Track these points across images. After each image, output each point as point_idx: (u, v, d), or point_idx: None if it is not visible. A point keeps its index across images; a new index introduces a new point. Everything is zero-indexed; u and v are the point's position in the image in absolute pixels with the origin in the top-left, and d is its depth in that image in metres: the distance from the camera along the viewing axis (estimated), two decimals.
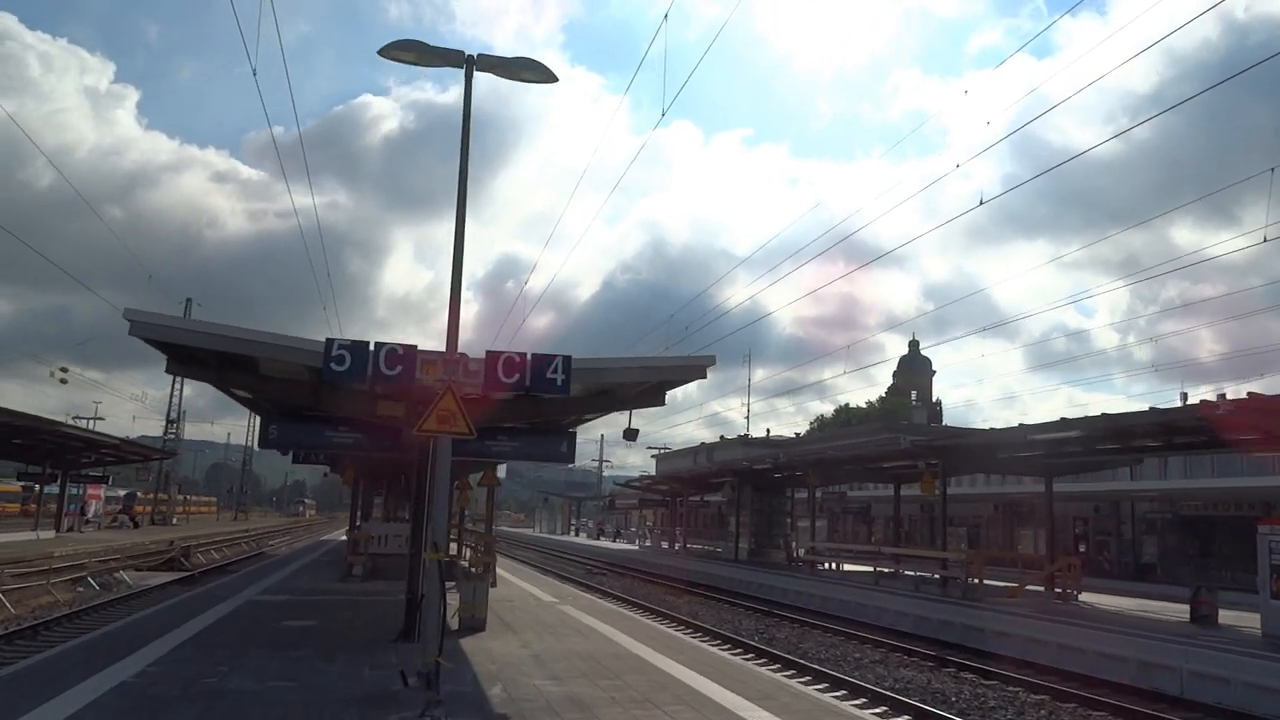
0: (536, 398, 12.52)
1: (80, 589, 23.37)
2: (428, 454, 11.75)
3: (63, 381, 46.20)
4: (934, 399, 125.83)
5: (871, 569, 29.09)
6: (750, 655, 15.62)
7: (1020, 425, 20.98)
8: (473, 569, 20.44)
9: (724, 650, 14.18)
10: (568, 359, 9.33)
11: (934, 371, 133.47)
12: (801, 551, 35.08)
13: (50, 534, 41.50)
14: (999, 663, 16.24)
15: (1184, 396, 62.83)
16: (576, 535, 76.31)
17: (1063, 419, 19.71)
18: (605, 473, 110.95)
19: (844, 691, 12.65)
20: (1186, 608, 18.86)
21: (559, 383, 9.24)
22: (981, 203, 15.59)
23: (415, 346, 9.01)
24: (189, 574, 29.69)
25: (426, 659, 8.53)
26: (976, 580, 22.36)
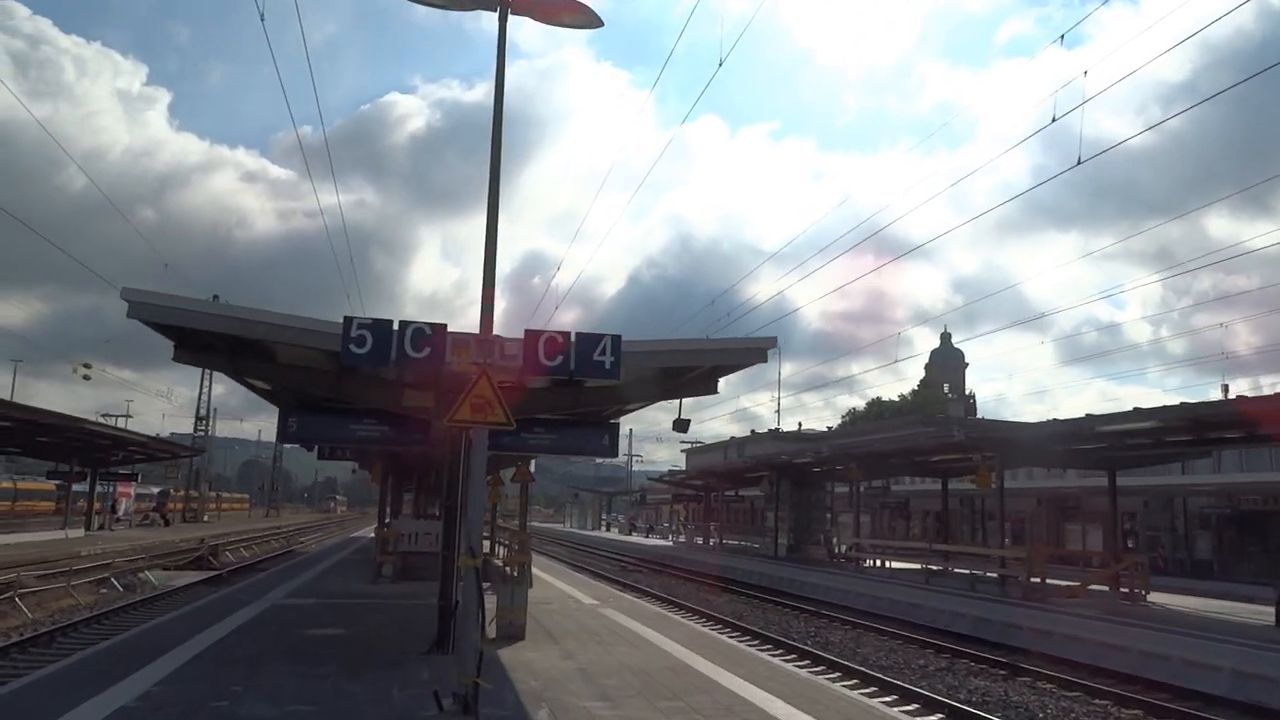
0: (577, 385, 11.47)
1: (104, 591, 22.69)
2: (460, 448, 10.74)
3: (86, 378, 45.92)
4: (967, 392, 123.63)
5: (920, 566, 27.86)
6: (805, 662, 14.51)
7: (1087, 415, 19.64)
8: (508, 570, 19.47)
9: (784, 660, 13.01)
10: (617, 339, 8.25)
11: (967, 364, 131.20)
12: (844, 548, 33.87)
13: (80, 533, 41.20)
14: (1076, 670, 14.99)
15: (1225, 389, 60.80)
16: (607, 531, 75.41)
17: (1136, 409, 18.40)
18: (634, 468, 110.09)
19: (916, 705, 11.54)
20: (1262, 609, 17.59)
21: (607, 365, 8.17)
22: (1080, 160, 14.22)
23: (444, 326, 7.97)
24: (217, 573, 29.03)
25: (463, 679, 7.52)
26: (1038, 579, 21.09)
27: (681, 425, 11.59)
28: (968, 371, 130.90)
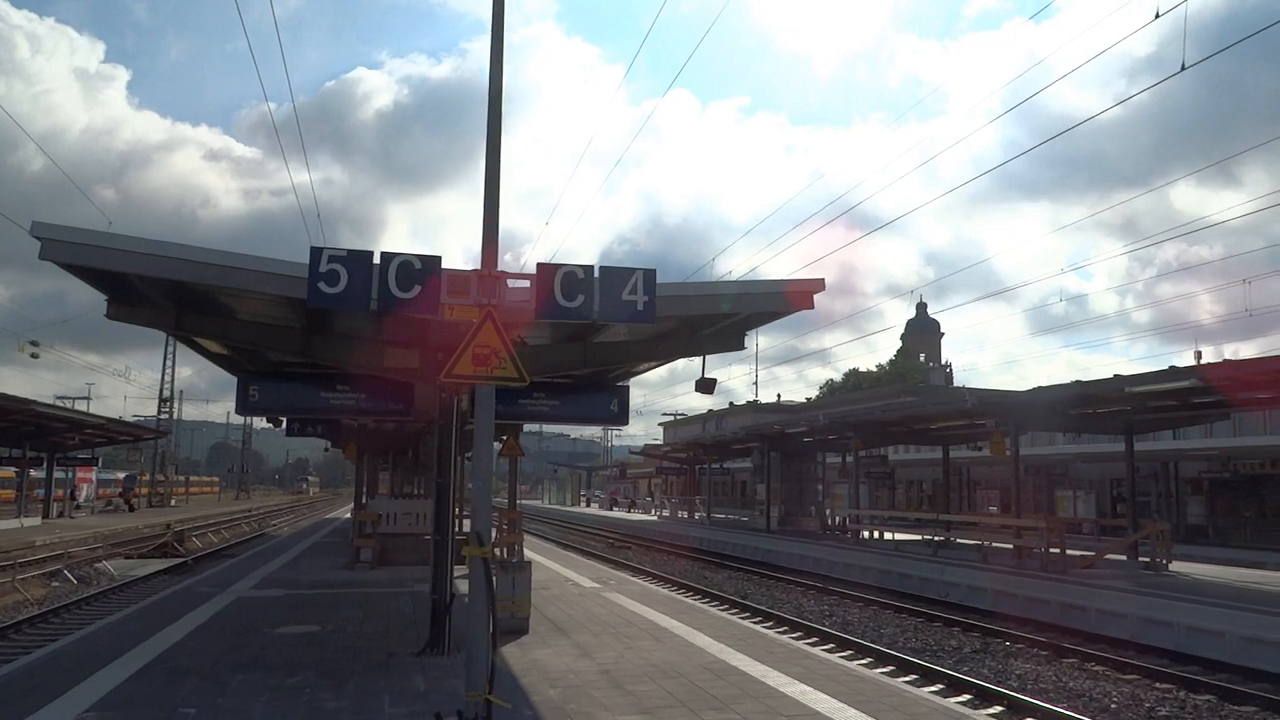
0: (584, 341, 9.94)
1: (55, 584, 20.90)
2: (451, 416, 9.20)
3: (34, 356, 43.47)
4: (944, 362, 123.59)
5: (920, 538, 26.73)
6: (831, 646, 13.19)
7: (1115, 376, 18.41)
8: (499, 551, 17.98)
9: (818, 648, 11.64)
10: (650, 274, 6.71)
11: (942, 334, 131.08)
12: (839, 519, 32.71)
13: (36, 520, 39.11)
14: (1121, 649, 13.84)
15: (1198, 355, 60.57)
16: (587, 506, 74.07)
17: (1172, 367, 17.16)
18: (606, 444, 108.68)
19: (968, 695, 10.23)
20: None
21: (639, 307, 6.64)
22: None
23: (439, 259, 6.40)
24: (182, 560, 27.27)
25: (471, 696, 6.03)
26: (1057, 550, 19.96)
27: (706, 385, 10.04)
28: (942, 342, 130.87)
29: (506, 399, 10.47)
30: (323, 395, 10.72)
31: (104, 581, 21.82)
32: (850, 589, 20.91)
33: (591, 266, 6.62)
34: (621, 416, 11.41)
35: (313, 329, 9.02)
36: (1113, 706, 10.20)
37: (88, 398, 61.64)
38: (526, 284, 6.77)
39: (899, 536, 27.77)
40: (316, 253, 6.20)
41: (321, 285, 6.17)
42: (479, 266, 6.51)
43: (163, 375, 66.16)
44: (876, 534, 29.40)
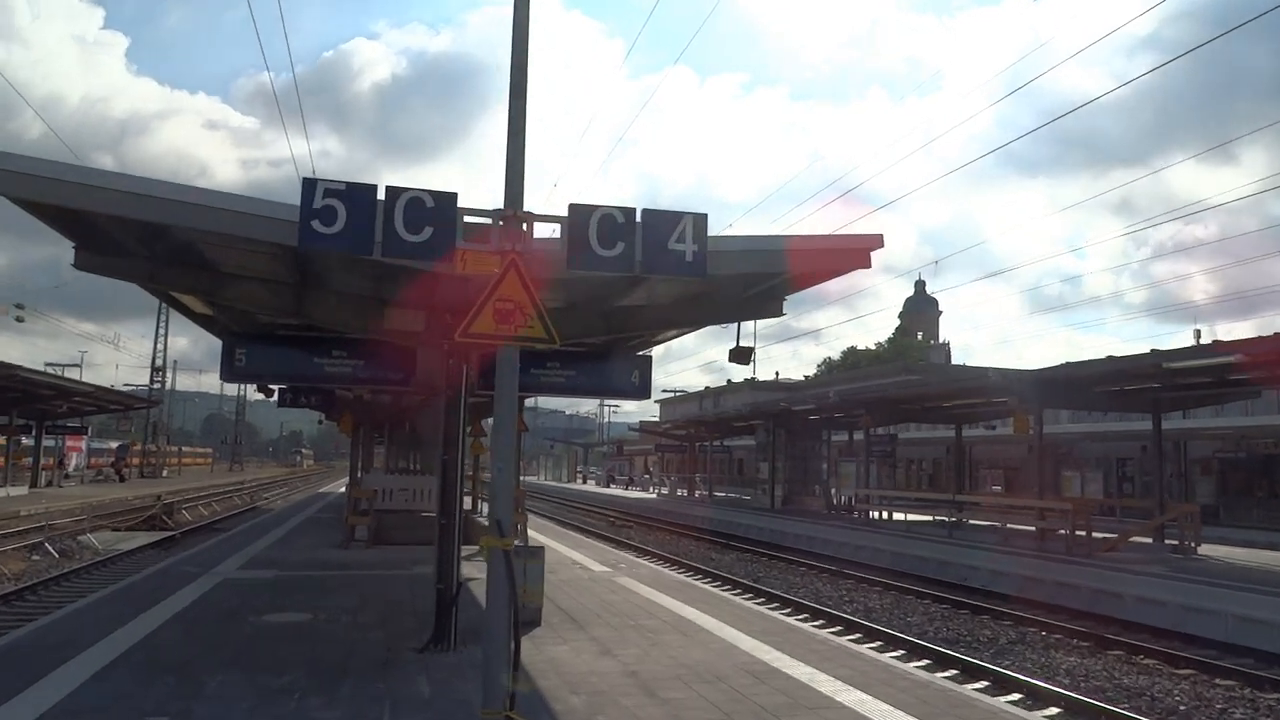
0: (605, 303, 8.94)
1: (36, 557, 19.98)
2: (459, 386, 8.22)
3: (19, 320, 42.30)
4: (942, 340, 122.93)
5: (931, 519, 25.93)
6: (857, 636, 12.33)
7: (1152, 351, 17.50)
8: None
9: (876, 650, 10.69)
10: (701, 219, 5.69)
11: (940, 312, 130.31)
12: (846, 498, 31.90)
13: (23, 489, 38.15)
14: (1165, 640, 13.01)
15: (1197, 334, 59.93)
16: (584, 483, 73.32)
17: (1216, 341, 16.29)
18: (601, 420, 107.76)
19: (1018, 695, 9.35)
20: None
21: (689, 257, 5.63)
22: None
23: (455, 195, 5.38)
24: (170, 534, 26.39)
25: (489, 713, 5.11)
26: (1083, 533, 19.15)
27: (742, 355, 9.04)
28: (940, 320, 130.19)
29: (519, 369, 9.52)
30: (316, 361, 9.71)
31: (87, 556, 20.90)
32: (866, 572, 20.08)
33: (632, 209, 5.61)
34: (643, 389, 10.43)
35: (306, 285, 8.00)
36: (1181, 708, 9.34)
37: (78, 365, 60.39)
38: (553, 232, 5.77)
39: (911, 517, 26.97)
40: (310, 185, 5.17)
41: (315, 224, 5.14)
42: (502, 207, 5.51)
43: (155, 344, 64.94)
44: (885, 514, 28.64)
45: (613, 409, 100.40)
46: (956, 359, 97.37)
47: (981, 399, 23.99)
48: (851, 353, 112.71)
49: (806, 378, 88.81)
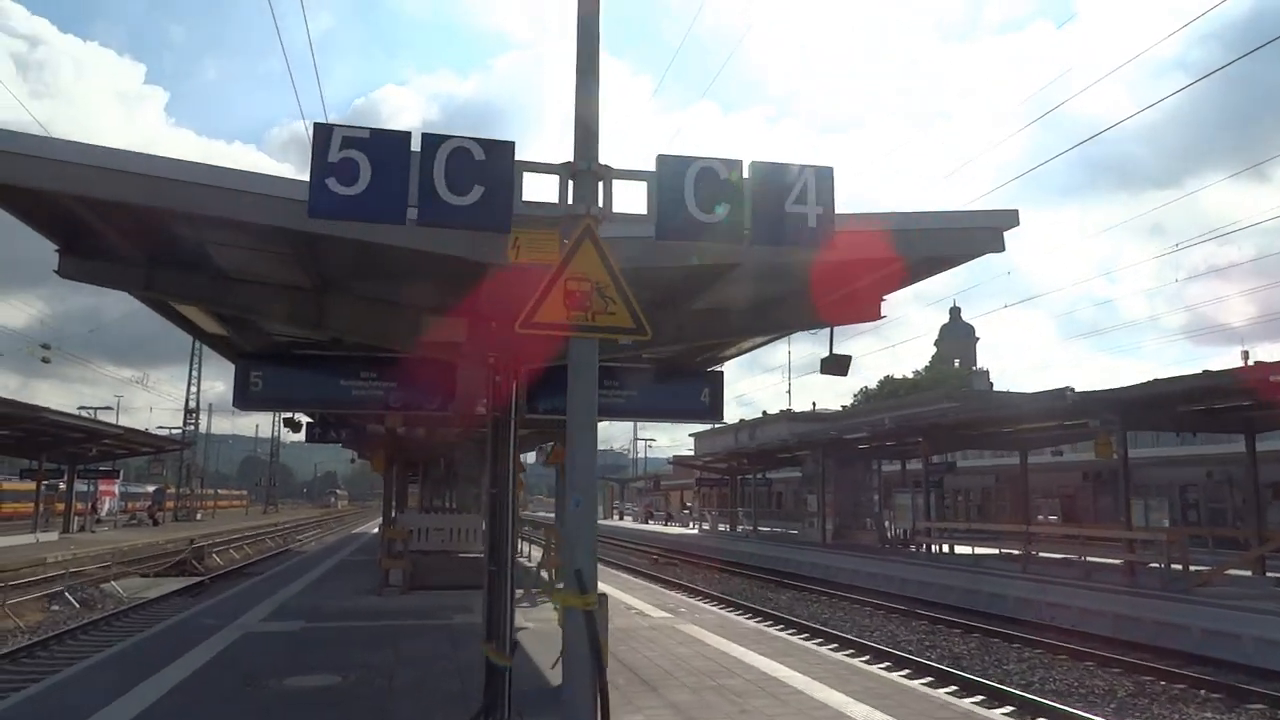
0: (674, 305, 7.64)
1: (55, 607, 18.89)
2: (509, 406, 6.93)
3: (45, 360, 41.79)
4: (980, 366, 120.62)
5: (997, 552, 24.12)
6: (980, 699, 10.75)
7: (1257, 364, 15.87)
8: (544, 574, 15.71)
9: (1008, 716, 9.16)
10: (826, 172, 4.43)
11: (978, 339, 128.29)
12: (902, 532, 30.14)
13: (53, 535, 37.38)
14: None
15: (1245, 355, 57.56)
16: (620, 519, 71.71)
17: None
18: (627, 455, 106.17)
19: None
20: None
21: (811, 223, 4.36)
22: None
23: (512, 144, 4.15)
24: (200, 580, 25.29)
25: None
26: (1180, 566, 17.41)
27: (838, 365, 7.68)
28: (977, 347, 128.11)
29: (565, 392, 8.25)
30: (343, 384, 8.50)
31: (109, 605, 19.81)
32: (936, 611, 18.45)
33: (738, 160, 4.34)
34: (715, 411, 9.10)
35: (326, 289, 6.80)
36: None
37: (111, 409, 60.19)
38: (627, 206, 4.49)
39: (978, 550, 25.19)
40: (324, 131, 3.94)
41: (331, 183, 3.90)
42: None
43: (188, 385, 64.64)
44: (944, 548, 26.86)
45: (649, 443, 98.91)
46: (999, 384, 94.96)
47: (1055, 421, 22.32)
48: (889, 381, 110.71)
49: (844, 408, 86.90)
